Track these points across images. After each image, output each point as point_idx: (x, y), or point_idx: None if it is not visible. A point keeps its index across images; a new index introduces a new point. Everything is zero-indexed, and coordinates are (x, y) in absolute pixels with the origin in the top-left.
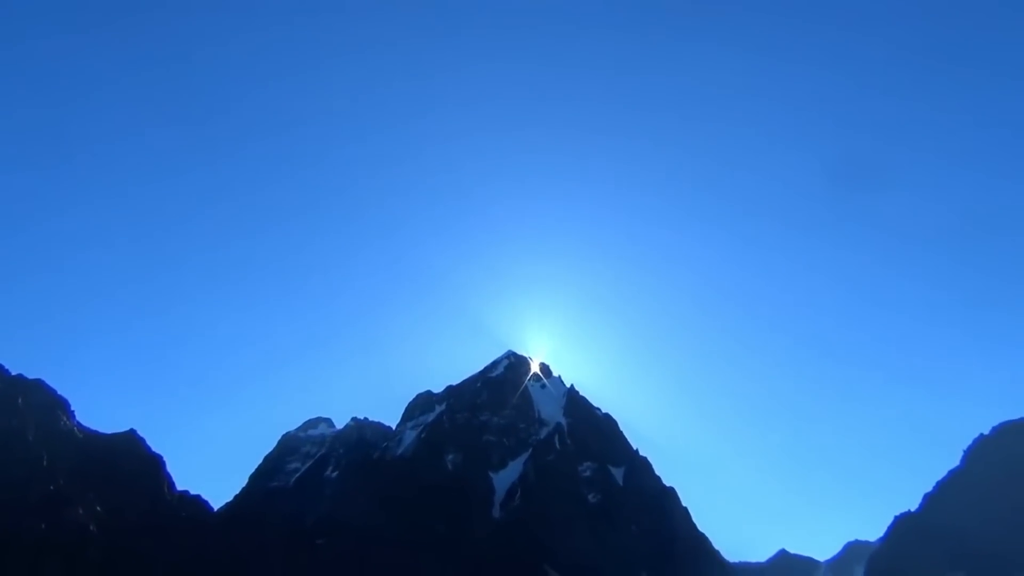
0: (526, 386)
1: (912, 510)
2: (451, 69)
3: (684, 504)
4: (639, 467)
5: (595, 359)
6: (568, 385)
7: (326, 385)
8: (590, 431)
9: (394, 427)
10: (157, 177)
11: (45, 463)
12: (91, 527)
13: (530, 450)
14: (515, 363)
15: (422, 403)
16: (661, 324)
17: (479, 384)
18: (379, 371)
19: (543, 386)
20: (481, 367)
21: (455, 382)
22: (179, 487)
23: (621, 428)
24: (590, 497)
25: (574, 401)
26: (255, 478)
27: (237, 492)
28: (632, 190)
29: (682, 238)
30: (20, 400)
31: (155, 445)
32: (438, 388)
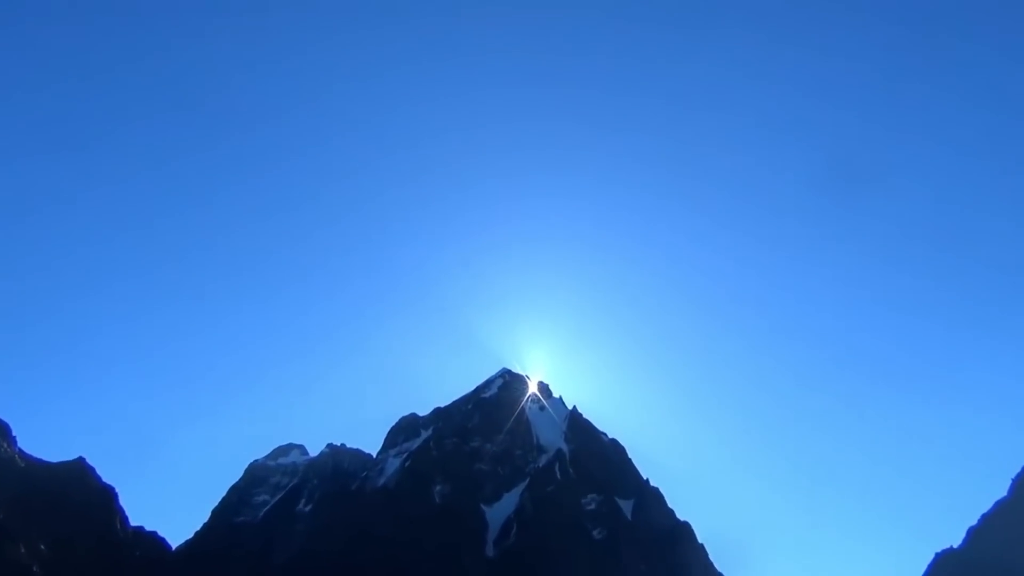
0: (523, 408)
1: (955, 546)
2: (446, 60)
3: (700, 541)
4: (650, 499)
5: (599, 377)
6: (570, 407)
7: (299, 407)
8: (595, 459)
9: (375, 455)
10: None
11: None
12: (34, 567)
13: (527, 480)
14: (510, 382)
15: (406, 427)
16: (672, 337)
17: (470, 406)
18: (358, 391)
19: (542, 408)
20: (472, 387)
21: (443, 404)
22: (133, 522)
23: (629, 455)
24: (595, 533)
25: (577, 425)
26: (219, 512)
27: (198, 528)
28: (636, 190)
29: (692, 241)
30: None
31: (106, 475)
32: (424, 410)
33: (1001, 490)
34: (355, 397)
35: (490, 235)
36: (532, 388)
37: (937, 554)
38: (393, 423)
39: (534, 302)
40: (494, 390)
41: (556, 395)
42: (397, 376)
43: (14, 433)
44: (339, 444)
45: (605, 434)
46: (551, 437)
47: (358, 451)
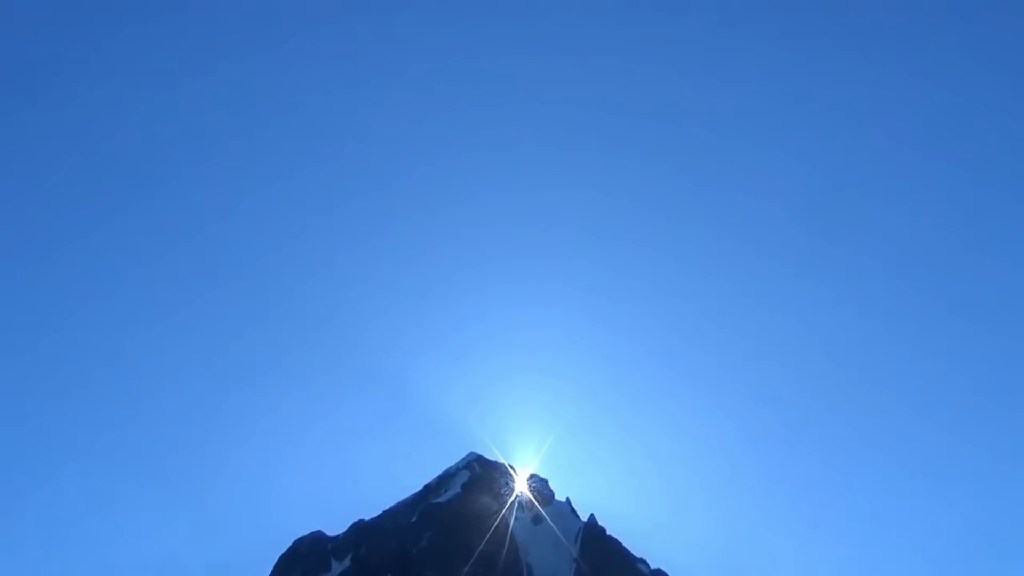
0: (504, 519)
1: None
2: (438, 68)
3: None
4: None
5: (620, 471)
6: (585, 518)
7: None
8: None
9: None
10: None
11: None
12: None
13: None
14: (483, 476)
15: (307, 555)
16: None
17: (415, 517)
18: (222, 501)
19: (537, 520)
20: (420, 484)
21: (368, 515)
22: None
23: None
24: None
25: (597, 547)
26: None
27: None
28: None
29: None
30: None
31: None
32: (338, 526)
33: None
34: (221, 509)
35: (459, 271)
36: (520, 486)
37: None
38: (285, 549)
39: (516, 363)
40: (455, 488)
41: (561, 497)
42: (285, 473)
43: None
44: None
45: (645, 563)
46: (556, 568)
47: None
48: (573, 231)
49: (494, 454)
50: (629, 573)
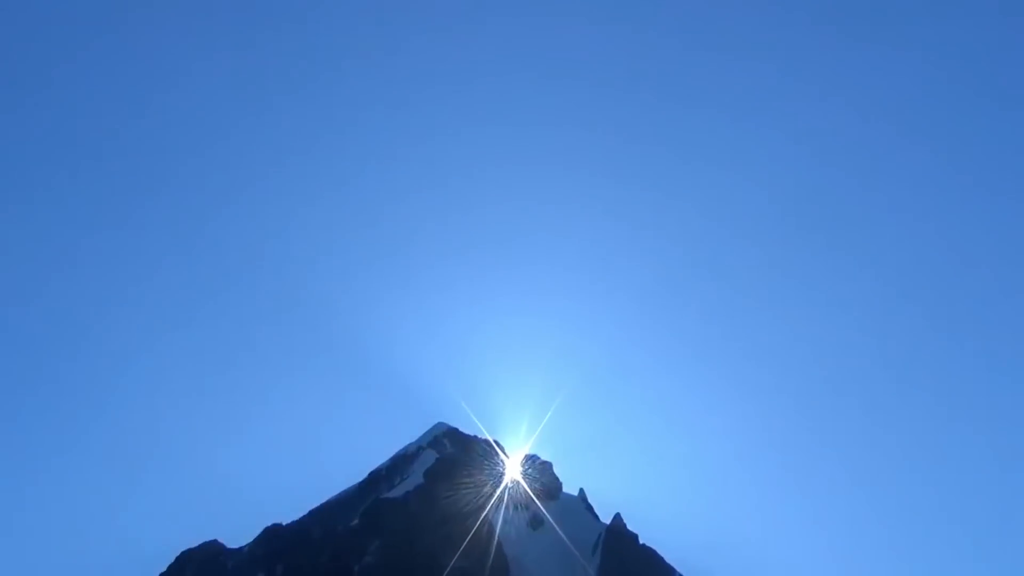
0: (487, 522)
1: None
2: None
3: None
4: None
5: (650, 450)
6: (607, 519)
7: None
8: None
9: None
10: None
11: None
12: None
13: None
14: (454, 458)
15: (202, 569)
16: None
17: (357, 520)
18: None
19: (537, 523)
20: (363, 471)
21: (287, 517)
22: None
23: None
24: None
25: (627, 563)
26: None
27: None
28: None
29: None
30: None
31: None
32: (242, 533)
33: None
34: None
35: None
36: (511, 472)
37: None
38: (162, 567)
39: (506, 311)
40: (416, 476)
41: (572, 488)
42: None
43: None
44: None
45: None
46: None
47: None
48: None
49: (473, 425)
50: None
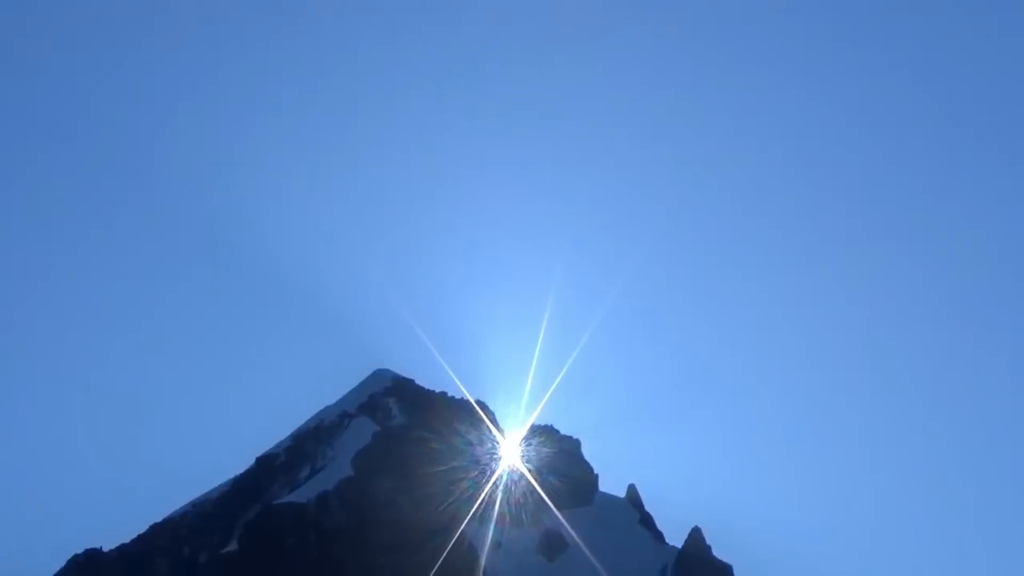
0: (466, 543)
1: None
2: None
3: None
4: None
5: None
6: (678, 542)
7: None
8: None
9: None
10: None
11: None
12: None
13: None
14: (404, 428)
15: None
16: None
17: (236, 539)
18: None
19: (555, 546)
20: (252, 454)
21: (111, 539)
22: None
23: None
24: None
25: None
26: None
27: None
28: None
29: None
30: None
31: None
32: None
33: None
34: None
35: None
36: (509, 456)
37: None
38: None
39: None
40: (338, 465)
41: (614, 484)
42: None
43: None
44: None
45: None
46: None
47: None
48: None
49: (438, 374)
50: None
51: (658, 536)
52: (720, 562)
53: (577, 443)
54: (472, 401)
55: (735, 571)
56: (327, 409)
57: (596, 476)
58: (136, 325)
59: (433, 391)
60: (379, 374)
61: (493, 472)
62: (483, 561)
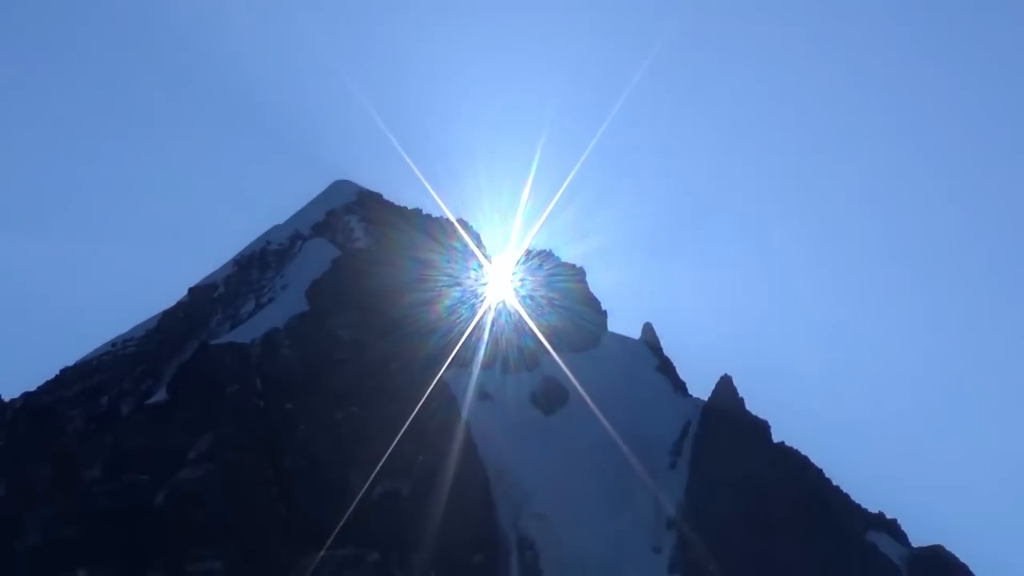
0: (444, 395)
1: None
2: None
3: None
4: None
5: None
6: (703, 395)
7: None
8: None
9: None
10: None
11: None
12: None
13: None
14: (369, 251)
15: None
16: None
17: (164, 396)
18: None
19: (554, 399)
20: (186, 281)
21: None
22: None
23: None
24: None
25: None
26: None
27: None
28: None
29: None
30: None
31: None
32: None
33: None
34: None
35: None
36: (498, 287)
37: None
38: None
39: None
40: (290, 296)
41: (625, 328)
42: None
43: None
44: None
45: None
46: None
47: None
48: None
49: (412, 186)
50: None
51: (679, 386)
52: (754, 418)
53: (581, 272)
54: (453, 220)
55: (771, 431)
56: (276, 229)
57: (605, 313)
58: (50, 118)
59: (405, 207)
60: (339, 186)
61: (478, 306)
62: (465, 414)
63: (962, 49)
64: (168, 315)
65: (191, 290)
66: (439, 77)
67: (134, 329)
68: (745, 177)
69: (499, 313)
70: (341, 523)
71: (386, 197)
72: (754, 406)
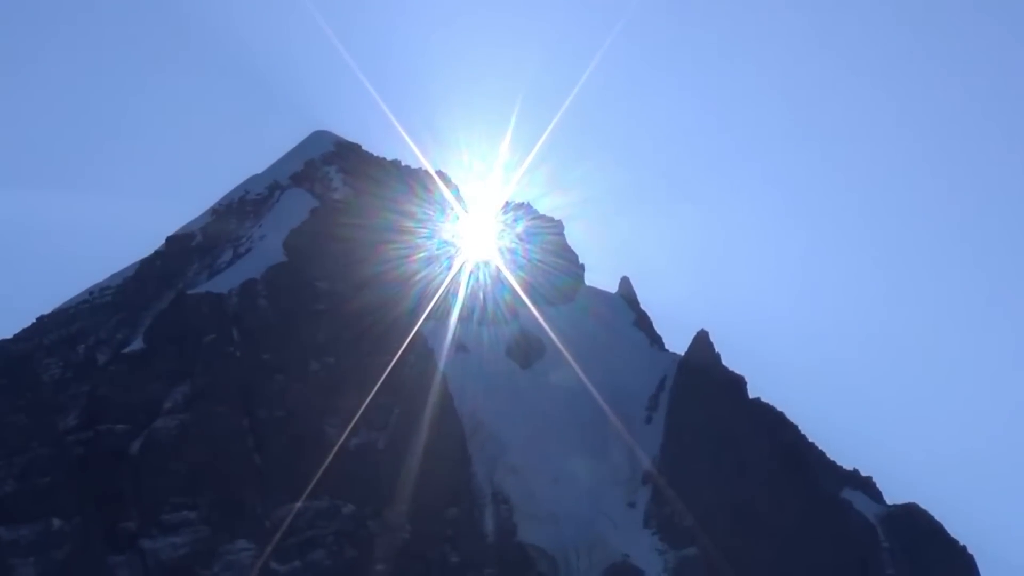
0: (422, 347)
1: None
2: None
3: None
4: None
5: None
6: (680, 349)
7: None
8: None
9: None
10: None
11: None
12: None
13: None
14: (347, 201)
15: None
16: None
17: (140, 345)
18: None
19: (531, 351)
20: (164, 230)
21: None
22: None
23: None
24: None
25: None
26: None
27: None
28: None
29: None
30: None
31: None
32: None
33: None
34: None
35: None
36: (476, 240)
37: None
38: None
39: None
40: (267, 245)
41: (602, 281)
42: None
43: None
44: None
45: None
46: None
47: None
48: None
49: (390, 138)
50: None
51: (656, 340)
52: (730, 373)
53: (559, 225)
54: (432, 172)
55: (747, 386)
56: (254, 179)
57: (582, 267)
58: (21, 64)
59: (384, 158)
60: (318, 137)
61: (455, 257)
62: (442, 366)
63: (960, 46)
64: (145, 264)
65: (168, 239)
66: (420, 29)
67: (111, 278)
68: (722, 132)
69: (477, 266)
70: (317, 475)
71: (365, 148)
72: (730, 361)
